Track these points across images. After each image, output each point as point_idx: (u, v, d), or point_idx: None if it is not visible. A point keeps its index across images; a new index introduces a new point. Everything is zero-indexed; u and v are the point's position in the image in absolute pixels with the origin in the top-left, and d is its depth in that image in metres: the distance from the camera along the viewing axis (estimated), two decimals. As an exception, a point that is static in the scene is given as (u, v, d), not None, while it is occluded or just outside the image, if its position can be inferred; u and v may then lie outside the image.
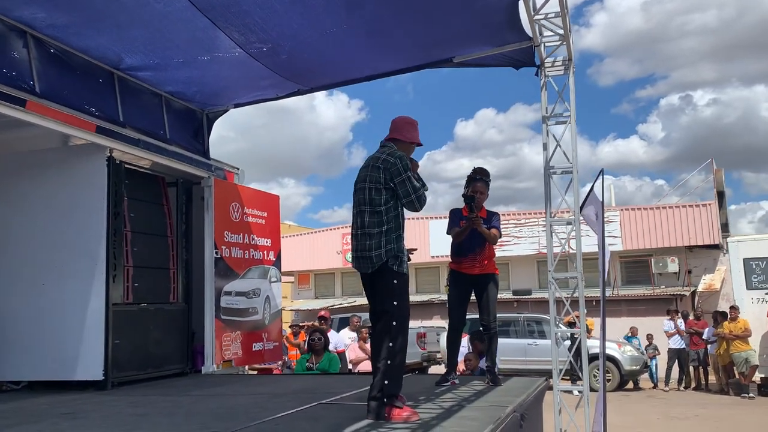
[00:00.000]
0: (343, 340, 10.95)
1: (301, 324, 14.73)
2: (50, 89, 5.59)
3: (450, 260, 5.92)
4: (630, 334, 17.27)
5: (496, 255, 6.01)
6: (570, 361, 6.50)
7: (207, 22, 5.35)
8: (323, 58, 6.34)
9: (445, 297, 17.73)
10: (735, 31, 66.81)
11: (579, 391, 6.28)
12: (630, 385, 16.05)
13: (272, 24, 5.47)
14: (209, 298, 7.18)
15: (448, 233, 5.82)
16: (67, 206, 6.11)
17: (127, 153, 6.40)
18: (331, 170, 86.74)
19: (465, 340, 7.39)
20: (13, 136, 6.37)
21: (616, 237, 21.34)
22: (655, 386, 16.12)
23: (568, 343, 12.14)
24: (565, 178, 6.37)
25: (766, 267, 14.45)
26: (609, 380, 14.83)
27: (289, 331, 13.44)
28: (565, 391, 6.39)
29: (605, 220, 6.25)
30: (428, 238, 23.73)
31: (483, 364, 6.69)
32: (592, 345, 10.81)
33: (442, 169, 77.68)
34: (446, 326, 6.66)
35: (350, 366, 10.03)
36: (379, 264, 3.92)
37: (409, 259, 4.27)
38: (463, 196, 5.67)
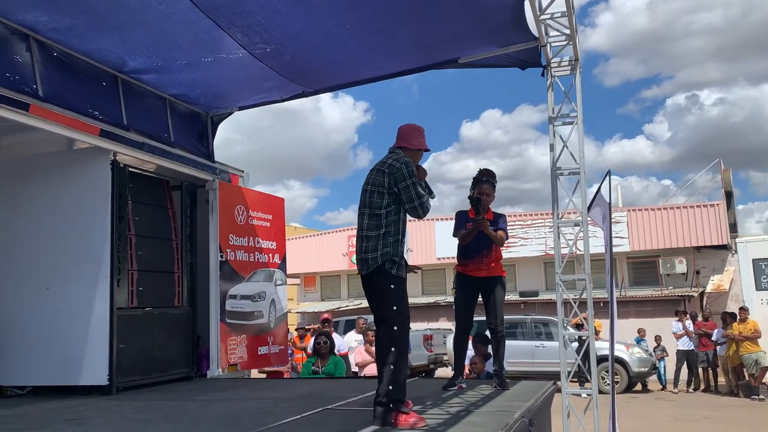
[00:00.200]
0: (348, 342, 10.92)
1: (307, 327, 14.69)
2: (53, 93, 5.56)
3: (456, 263, 5.87)
4: (639, 336, 17.16)
5: (503, 256, 5.96)
6: (578, 364, 6.44)
7: (210, 23, 5.32)
8: (327, 59, 6.30)
9: (451, 299, 17.67)
10: (741, 30, 66.56)
11: (587, 394, 6.21)
12: (638, 387, 15.94)
13: (275, 24, 5.43)
14: (214, 301, 7.15)
15: (454, 236, 5.77)
16: (71, 210, 6.09)
17: (132, 156, 6.39)
18: (336, 172, 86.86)
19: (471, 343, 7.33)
20: (16, 140, 6.37)
21: (623, 238, 21.21)
22: (664, 388, 16.01)
23: (575, 345, 12.06)
24: (572, 179, 6.32)
25: (775, 267, 14.35)
26: (617, 382, 14.73)
27: (295, 334, 13.40)
28: (573, 394, 6.32)
29: (612, 220, 6.19)
30: (434, 240, 23.68)
31: (490, 367, 6.64)
32: (600, 347, 10.72)
33: (448, 171, 77.67)
34: (453, 328, 6.61)
35: (356, 369, 9.99)
36: (374, 266, 3.91)
37: (414, 272, 4.28)
38: (469, 198, 5.62)
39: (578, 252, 6.36)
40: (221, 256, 7.22)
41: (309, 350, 10.25)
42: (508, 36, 5.99)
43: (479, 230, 5.52)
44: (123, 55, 6.03)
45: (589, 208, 6.10)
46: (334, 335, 9.77)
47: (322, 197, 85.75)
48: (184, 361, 6.93)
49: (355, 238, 4.21)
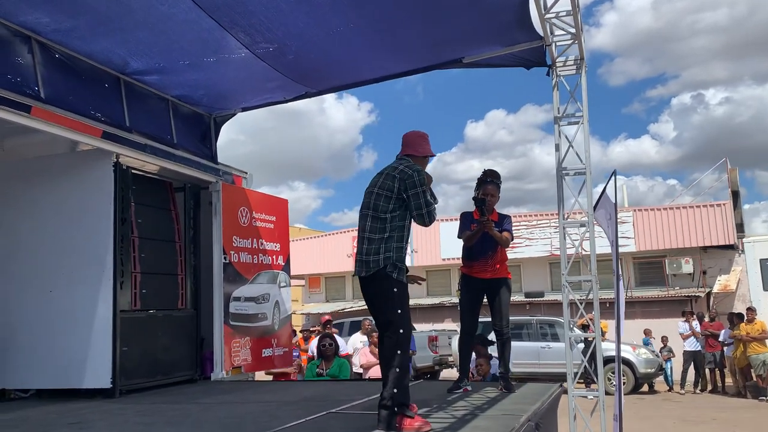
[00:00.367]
0: (353, 343, 10.89)
1: (311, 328, 14.66)
2: (55, 95, 5.54)
3: (461, 264, 5.82)
4: (647, 337, 17.09)
5: (508, 258, 5.90)
6: (585, 365, 6.39)
7: (212, 23, 5.29)
8: (330, 58, 6.27)
9: (456, 300, 17.61)
10: (746, 29, 66.33)
11: (594, 396, 6.16)
12: (645, 388, 15.86)
13: (278, 24, 5.40)
14: (218, 303, 7.12)
15: (459, 237, 5.72)
16: (75, 212, 6.07)
17: (134, 158, 6.36)
18: (341, 173, 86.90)
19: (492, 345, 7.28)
20: (19, 142, 6.36)
21: (629, 238, 21.12)
22: (671, 389, 15.93)
23: (581, 346, 12.00)
24: (577, 179, 6.27)
25: (783, 268, 14.25)
26: (624, 383, 14.65)
27: (300, 336, 13.36)
28: (579, 396, 6.26)
29: (618, 221, 6.14)
30: (439, 241, 23.61)
31: (495, 369, 6.59)
32: (606, 348, 10.65)
33: (452, 171, 77.63)
34: (458, 330, 6.57)
35: (360, 370, 9.95)
36: (375, 270, 3.88)
37: (419, 283, 4.33)
38: (474, 199, 5.57)
39: (584, 252, 6.30)
40: (225, 258, 7.19)
41: (310, 352, 10.23)
42: (513, 35, 5.94)
43: (484, 231, 5.47)
44: (125, 56, 6.01)
45: (594, 209, 6.04)
46: (335, 337, 9.73)
47: (327, 198, 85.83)
48: (188, 363, 6.90)
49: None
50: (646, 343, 16.70)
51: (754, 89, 73.87)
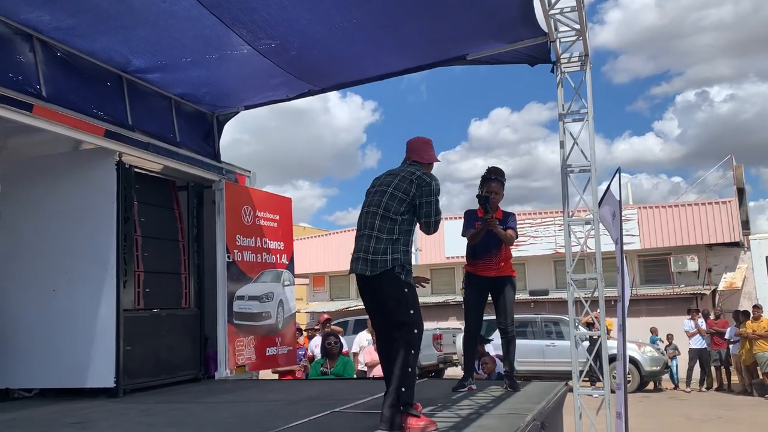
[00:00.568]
0: (360, 342, 10.90)
1: (316, 327, 14.63)
2: (57, 93, 5.52)
3: (466, 262, 5.78)
4: (654, 335, 17.03)
5: (513, 256, 5.87)
6: (590, 364, 6.35)
7: (214, 20, 5.27)
8: (333, 55, 6.23)
9: (460, 298, 17.57)
10: (751, 25, 66.03)
11: (599, 394, 6.12)
12: (651, 386, 15.81)
13: (280, 20, 5.38)
14: (222, 302, 7.09)
15: (463, 235, 5.69)
16: (77, 211, 6.05)
17: (137, 157, 6.34)
18: (345, 172, 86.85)
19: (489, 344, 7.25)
20: (22, 141, 6.34)
21: (634, 236, 21.05)
22: (676, 387, 15.87)
23: (586, 344, 11.95)
24: (582, 177, 6.23)
25: (789, 265, 14.17)
26: (629, 381, 14.60)
27: (305, 334, 13.35)
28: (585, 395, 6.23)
29: (623, 218, 6.10)
30: (443, 239, 23.55)
31: (500, 368, 6.55)
32: (612, 346, 10.62)
33: (456, 170, 77.53)
34: (462, 328, 6.54)
35: (365, 368, 9.94)
36: (383, 270, 3.81)
37: (422, 285, 4.31)
38: (478, 196, 5.53)
39: (588, 250, 6.27)
40: (228, 257, 7.17)
41: (309, 352, 10.22)
42: (517, 31, 5.90)
43: (488, 229, 5.44)
44: (127, 54, 5.99)
45: (598, 206, 6.00)
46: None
47: (331, 197, 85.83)
48: (192, 362, 6.88)
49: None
50: (654, 342, 16.63)
51: (759, 86, 73.57)
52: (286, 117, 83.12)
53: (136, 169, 6.31)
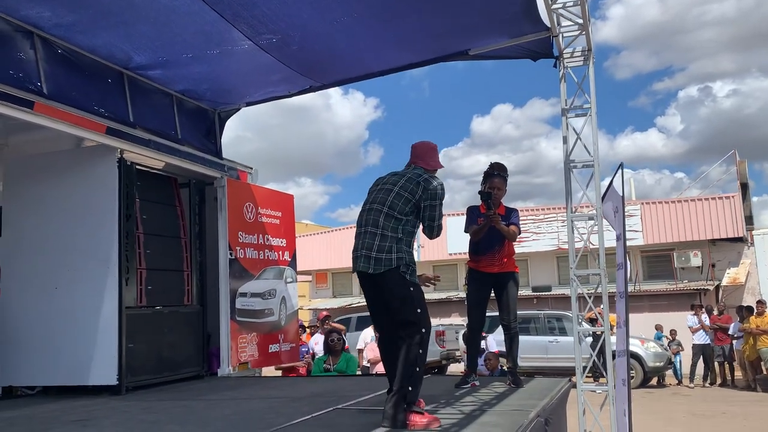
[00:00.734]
0: (365, 338, 10.90)
1: (315, 324, 14.63)
2: (58, 90, 5.50)
3: (468, 258, 5.76)
4: (659, 332, 17.00)
5: (515, 252, 5.85)
6: (593, 360, 6.33)
7: (215, 16, 5.25)
8: (334, 50, 6.21)
9: (463, 294, 17.57)
10: (754, 20, 65.85)
11: (603, 390, 6.10)
12: (654, 381, 15.79)
13: (281, 15, 5.35)
14: (224, 299, 7.08)
15: (465, 231, 5.67)
16: (79, 209, 6.04)
17: (139, 154, 6.31)
18: (348, 169, 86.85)
19: (483, 341, 7.23)
20: (23, 138, 6.33)
21: (637, 231, 21.01)
22: (680, 383, 15.85)
23: (590, 340, 11.93)
24: (585, 172, 6.20)
25: (793, 260, 14.13)
26: (632, 377, 14.58)
27: (308, 331, 13.34)
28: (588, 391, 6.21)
29: (626, 214, 6.07)
30: (446, 235, 23.50)
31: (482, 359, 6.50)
32: (615, 342, 10.60)
33: (459, 166, 77.49)
34: (465, 324, 6.52)
35: (368, 364, 9.94)
36: (387, 268, 3.78)
37: (433, 284, 4.37)
38: (480, 193, 5.51)
39: (591, 246, 6.24)
40: (230, 254, 7.15)
41: (309, 349, 10.21)
42: (520, 26, 5.87)
43: (491, 226, 5.41)
44: (128, 50, 5.96)
45: (601, 202, 5.98)
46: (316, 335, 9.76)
47: (334, 194, 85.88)
48: (195, 359, 6.86)
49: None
50: (659, 338, 16.60)
51: (761, 81, 73.37)
52: (288, 114, 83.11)
53: (137, 166, 6.28)
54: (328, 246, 26.98)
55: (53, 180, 6.18)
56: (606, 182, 6.21)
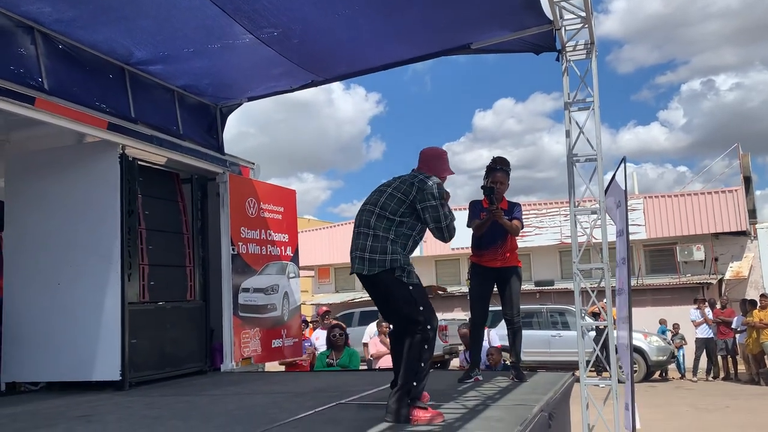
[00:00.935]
0: (370, 332, 10.88)
1: (315, 319, 14.60)
2: (59, 86, 5.48)
3: (471, 253, 5.75)
4: (663, 326, 16.99)
5: (518, 246, 5.83)
6: (597, 354, 6.32)
7: (216, 10, 5.23)
8: (336, 43, 6.18)
9: (466, 289, 17.55)
10: (758, 13, 65.61)
11: (606, 384, 6.09)
12: (657, 375, 15.78)
13: (282, 9, 5.33)
14: (227, 295, 7.09)
15: (468, 226, 5.65)
16: (81, 204, 6.03)
17: (140, 150, 6.30)
18: (350, 164, 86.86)
19: (486, 335, 7.22)
20: (25, 134, 6.33)
21: (639, 225, 20.97)
22: (683, 377, 15.85)
23: (592, 334, 11.92)
24: (587, 166, 6.17)
25: (797, 253, 14.09)
26: (635, 371, 14.57)
27: (311, 326, 13.32)
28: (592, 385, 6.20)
29: (628, 208, 6.05)
30: (448, 230, 23.51)
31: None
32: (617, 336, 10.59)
33: (461, 161, 77.43)
34: (467, 319, 6.51)
35: (371, 358, 9.93)
36: (381, 270, 3.76)
37: (440, 295, 4.21)
38: (483, 187, 5.49)
39: (594, 240, 6.22)
40: (233, 250, 7.15)
41: (310, 345, 10.21)
42: (522, 20, 5.84)
43: (494, 220, 5.40)
44: (129, 45, 5.94)
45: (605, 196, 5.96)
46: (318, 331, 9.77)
47: (336, 189, 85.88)
48: (198, 355, 6.87)
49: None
50: (663, 332, 16.58)
51: (765, 74, 73.13)
52: (290, 110, 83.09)
53: (139, 162, 6.28)
54: (330, 241, 26.96)
55: (55, 176, 6.17)
56: (608, 176, 6.20)
